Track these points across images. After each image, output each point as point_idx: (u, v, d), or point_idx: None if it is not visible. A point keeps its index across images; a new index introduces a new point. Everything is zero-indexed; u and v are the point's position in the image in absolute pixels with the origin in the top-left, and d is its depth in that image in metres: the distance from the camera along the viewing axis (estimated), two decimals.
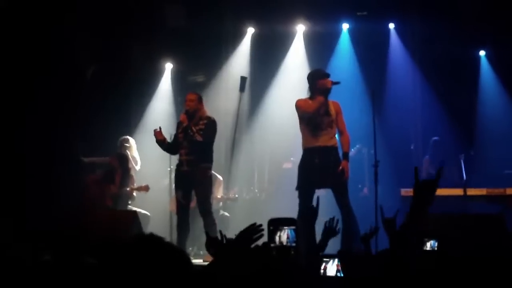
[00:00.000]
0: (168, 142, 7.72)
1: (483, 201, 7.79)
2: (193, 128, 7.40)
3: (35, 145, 8.60)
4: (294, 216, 6.71)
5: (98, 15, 9.40)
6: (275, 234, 3.83)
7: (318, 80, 7.09)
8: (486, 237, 5.67)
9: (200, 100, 7.68)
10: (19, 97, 8.53)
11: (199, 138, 7.37)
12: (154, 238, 2.48)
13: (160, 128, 7.63)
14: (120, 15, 9.69)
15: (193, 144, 7.39)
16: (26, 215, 7.64)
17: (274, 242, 3.82)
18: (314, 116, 7.00)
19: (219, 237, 3.48)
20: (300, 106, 7.13)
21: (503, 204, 7.64)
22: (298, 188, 7.01)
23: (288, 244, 3.79)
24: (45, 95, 8.73)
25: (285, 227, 3.85)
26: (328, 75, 7.14)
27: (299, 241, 3.84)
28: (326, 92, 7.02)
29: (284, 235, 3.83)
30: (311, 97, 7.13)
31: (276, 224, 3.83)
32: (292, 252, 3.81)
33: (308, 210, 4.39)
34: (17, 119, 8.47)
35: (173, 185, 8.03)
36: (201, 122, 7.47)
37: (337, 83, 7.06)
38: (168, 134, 7.87)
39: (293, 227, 3.85)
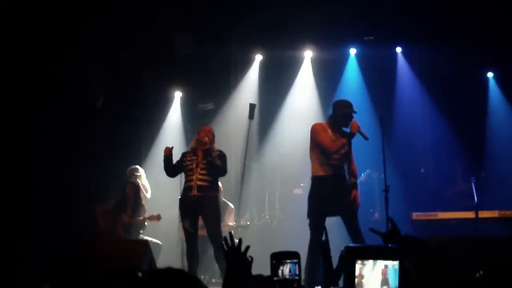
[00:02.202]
0: (173, 163, 7.66)
1: (495, 224, 7.76)
2: (212, 152, 7.43)
3: (46, 173, 8.67)
4: (306, 243, 6.76)
5: (107, 44, 9.51)
6: (277, 268, 3.85)
7: (349, 117, 7.06)
8: (499, 259, 5.63)
9: (214, 135, 7.73)
10: (29, 126, 8.62)
11: (218, 162, 7.39)
12: (172, 272, 2.49)
13: (172, 147, 7.65)
14: (129, 43, 9.79)
15: (210, 170, 7.38)
16: (40, 243, 7.68)
17: (277, 275, 3.84)
18: (329, 147, 6.97)
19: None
20: (318, 135, 7.07)
21: None
22: (309, 217, 6.97)
23: (291, 277, 3.82)
24: (55, 125, 8.82)
25: (287, 261, 3.87)
26: (355, 112, 7.11)
27: (301, 274, 3.90)
28: (351, 136, 7.01)
29: (286, 269, 3.85)
30: (331, 126, 7.12)
31: (279, 258, 3.85)
32: (295, 286, 3.83)
33: (320, 246, 4.42)
34: (26, 147, 8.55)
35: None
36: (213, 153, 7.49)
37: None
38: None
39: (296, 261, 3.87)
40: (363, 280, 4.78)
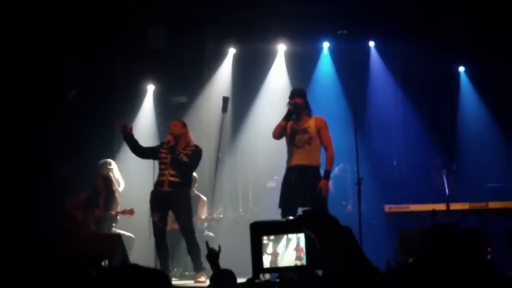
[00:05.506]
0: (137, 140, 7.64)
1: (466, 215, 7.84)
2: (179, 149, 7.41)
3: (16, 168, 8.56)
4: None
5: (80, 37, 9.41)
6: None
7: (288, 103, 7.28)
8: (469, 251, 5.70)
9: (184, 125, 7.70)
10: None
11: (184, 158, 7.38)
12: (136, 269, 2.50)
13: (127, 123, 7.66)
14: (101, 37, 9.69)
15: (179, 166, 7.37)
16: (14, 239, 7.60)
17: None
18: (289, 138, 7.17)
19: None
20: None
21: (486, 217, 7.71)
22: (279, 206, 7.07)
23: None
24: (26, 119, 8.71)
25: None
26: (291, 95, 7.24)
27: None
28: (289, 114, 7.18)
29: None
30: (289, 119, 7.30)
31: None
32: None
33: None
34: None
35: None
36: (188, 148, 7.51)
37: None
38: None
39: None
40: (278, 258, 4.89)
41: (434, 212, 6.20)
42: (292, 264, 4.93)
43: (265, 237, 4.96)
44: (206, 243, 4.68)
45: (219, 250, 4.36)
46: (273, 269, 4.98)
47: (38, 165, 8.75)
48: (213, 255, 4.29)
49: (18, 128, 8.56)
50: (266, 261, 4.98)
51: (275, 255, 4.96)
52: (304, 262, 4.84)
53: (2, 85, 8.49)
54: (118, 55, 10.27)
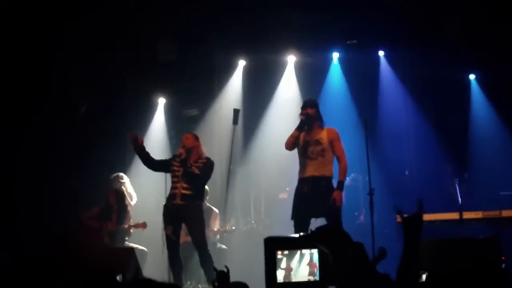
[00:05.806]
0: (148, 153, 7.67)
1: (479, 224, 7.79)
2: (191, 161, 7.43)
3: (29, 181, 8.61)
4: None
5: (90, 51, 9.46)
6: None
7: (301, 113, 7.28)
8: (483, 260, 5.66)
9: (196, 138, 7.72)
10: (11, 133, 8.57)
11: (196, 171, 7.39)
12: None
13: (137, 135, 7.68)
14: (112, 51, 9.74)
15: (191, 179, 7.39)
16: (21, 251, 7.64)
17: None
18: (301, 149, 7.16)
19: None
20: None
21: (499, 226, 7.65)
22: (292, 217, 7.06)
23: None
24: (38, 132, 8.77)
25: None
26: (303, 106, 7.25)
27: None
28: (301, 124, 7.18)
29: None
30: (302, 130, 7.29)
31: None
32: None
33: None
34: (9, 152, 8.50)
35: None
36: (199, 161, 7.52)
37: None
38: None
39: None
40: (291, 273, 4.91)
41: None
42: (305, 279, 4.94)
43: (279, 252, 4.99)
44: (214, 267, 4.72)
45: (228, 270, 4.37)
46: (286, 284, 4.98)
47: (38, 165, 8.80)
48: (223, 276, 4.30)
49: (18, 128, 8.61)
50: (280, 276, 5.00)
51: (288, 270, 4.98)
52: (317, 277, 4.85)
53: (3, 85, 8.54)
54: (128, 69, 10.31)
